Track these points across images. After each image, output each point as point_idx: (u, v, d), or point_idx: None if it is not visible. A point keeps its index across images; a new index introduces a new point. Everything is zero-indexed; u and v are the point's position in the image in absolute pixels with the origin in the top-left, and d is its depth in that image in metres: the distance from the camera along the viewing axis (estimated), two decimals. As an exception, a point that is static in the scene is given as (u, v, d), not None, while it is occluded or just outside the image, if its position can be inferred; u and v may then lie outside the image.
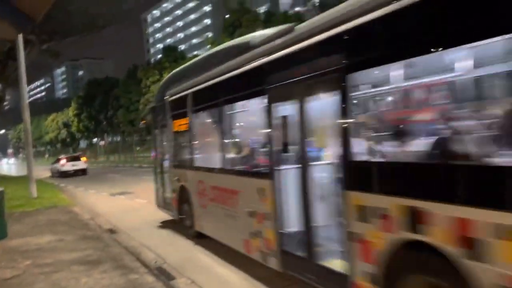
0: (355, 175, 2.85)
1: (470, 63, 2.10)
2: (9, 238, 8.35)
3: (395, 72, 2.45)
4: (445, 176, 2.16)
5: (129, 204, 13.38)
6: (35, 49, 26.28)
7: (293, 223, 3.84)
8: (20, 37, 15.48)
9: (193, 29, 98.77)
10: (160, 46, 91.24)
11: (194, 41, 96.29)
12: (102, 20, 29.94)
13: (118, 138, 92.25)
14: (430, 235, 2.24)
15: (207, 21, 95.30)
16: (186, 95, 6.26)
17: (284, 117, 3.76)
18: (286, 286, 5.08)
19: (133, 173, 28.19)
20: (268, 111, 4.00)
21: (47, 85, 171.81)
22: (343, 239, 3.02)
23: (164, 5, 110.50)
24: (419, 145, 2.52)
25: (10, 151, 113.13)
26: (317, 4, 39.16)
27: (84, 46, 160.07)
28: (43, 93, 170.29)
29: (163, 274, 5.75)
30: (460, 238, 2.07)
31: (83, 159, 29.05)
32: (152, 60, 52.16)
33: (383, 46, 2.49)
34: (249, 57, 4.36)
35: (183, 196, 6.89)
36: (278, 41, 3.85)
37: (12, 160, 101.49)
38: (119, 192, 16.71)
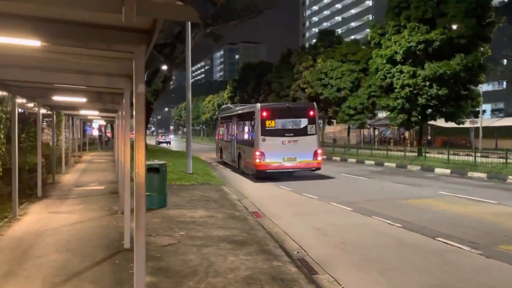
0: (237, 142, 19.50)
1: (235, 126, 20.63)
2: (168, 207, 9.57)
3: (229, 123, 21.94)
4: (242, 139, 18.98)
5: (271, 190, 14.07)
6: (200, 32, 29.25)
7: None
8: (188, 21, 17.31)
9: (352, 11, 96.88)
10: (316, 30, 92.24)
11: (353, 24, 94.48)
12: (261, 4, 31.51)
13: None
14: (240, 150, 18.54)
15: (368, 3, 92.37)
16: (221, 117, 24.47)
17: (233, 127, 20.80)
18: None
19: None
20: (234, 124, 20.53)
21: (207, 67, 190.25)
22: (236, 156, 19.35)
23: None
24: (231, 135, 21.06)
25: (171, 127, 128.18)
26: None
27: (242, 30, 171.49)
28: (202, 75, 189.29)
29: (305, 266, 5.85)
30: (242, 150, 18.13)
31: (171, 136, 70.15)
32: (307, 44, 52.80)
33: (229, 119, 21.75)
34: (228, 110, 23.22)
35: (221, 150, 23.43)
36: (230, 110, 22.36)
37: (171, 136, 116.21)
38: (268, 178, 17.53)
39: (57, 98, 9.54)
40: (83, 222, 8.11)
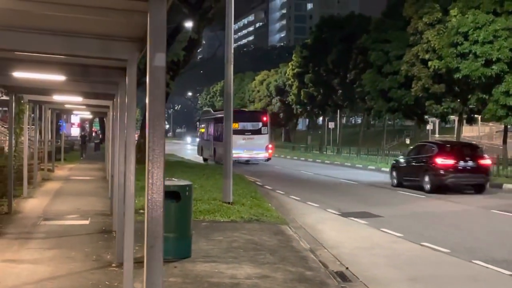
0: (213, 139, 46.01)
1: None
2: (193, 259, 9.70)
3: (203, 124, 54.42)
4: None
5: (366, 234, 14.01)
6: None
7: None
8: None
9: None
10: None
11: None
12: None
13: (359, 120, 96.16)
14: (215, 146, 44.05)
15: None
16: (202, 119, 56.61)
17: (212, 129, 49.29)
18: None
19: (384, 182, 28.96)
20: (211, 126, 48.26)
21: (258, 25, 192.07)
22: (213, 151, 45.56)
23: None
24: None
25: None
26: None
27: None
28: (251, 38, 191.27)
29: None
30: (217, 146, 43.29)
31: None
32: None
33: (210, 122, 49.50)
34: (208, 114, 54.65)
35: (201, 148, 50.99)
36: (210, 114, 52.87)
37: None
38: (357, 212, 17.55)
39: (18, 74, 9.92)
40: (56, 279, 8.35)
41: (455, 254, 11.53)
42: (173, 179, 10.56)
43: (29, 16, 5.70)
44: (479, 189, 24.14)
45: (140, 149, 24.59)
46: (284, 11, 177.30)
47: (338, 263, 10.45)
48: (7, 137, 16.39)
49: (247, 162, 41.62)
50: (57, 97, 16.37)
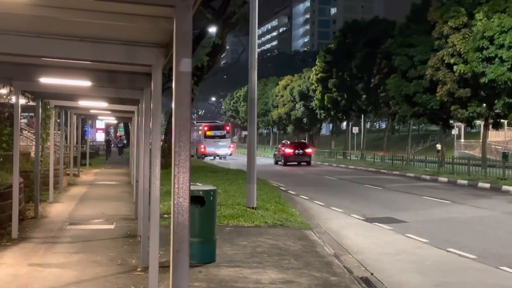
0: (195, 142, 65.68)
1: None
2: (217, 263, 9.73)
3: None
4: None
5: (391, 240, 13.90)
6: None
7: None
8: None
9: None
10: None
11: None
12: None
13: (384, 125, 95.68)
14: (197, 146, 66.15)
15: None
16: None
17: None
18: None
19: (409, 188, 28.81)
20: (194, 133, 66.45)
21: (281, 30, 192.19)
22: (195, 150, 64.23)
23: None
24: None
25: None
26: None
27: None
28: (274, 43, 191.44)
29: None
30: (198, 146, 65.32)
31: None
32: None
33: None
34: (192, 124, 60.24)
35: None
36: (193, 125, 67.31)
37: None
38: (382, 218, 17.47)
39: (45, 80, 10.03)
40: (82, 283, 8.43)
41: (481, 260, 11.41)
42: (197, 184, 10.59)
43: (56, 22, 5.77)
44: (307, 164, 51.92)
45: (164, 154, 24.71)
46: (307, 16, 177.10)
47: (363, 268, 10.40)
48: (34, 142, 16.55)
49: (214, 157, 60.95)
50: (82, 103, 16.53)
